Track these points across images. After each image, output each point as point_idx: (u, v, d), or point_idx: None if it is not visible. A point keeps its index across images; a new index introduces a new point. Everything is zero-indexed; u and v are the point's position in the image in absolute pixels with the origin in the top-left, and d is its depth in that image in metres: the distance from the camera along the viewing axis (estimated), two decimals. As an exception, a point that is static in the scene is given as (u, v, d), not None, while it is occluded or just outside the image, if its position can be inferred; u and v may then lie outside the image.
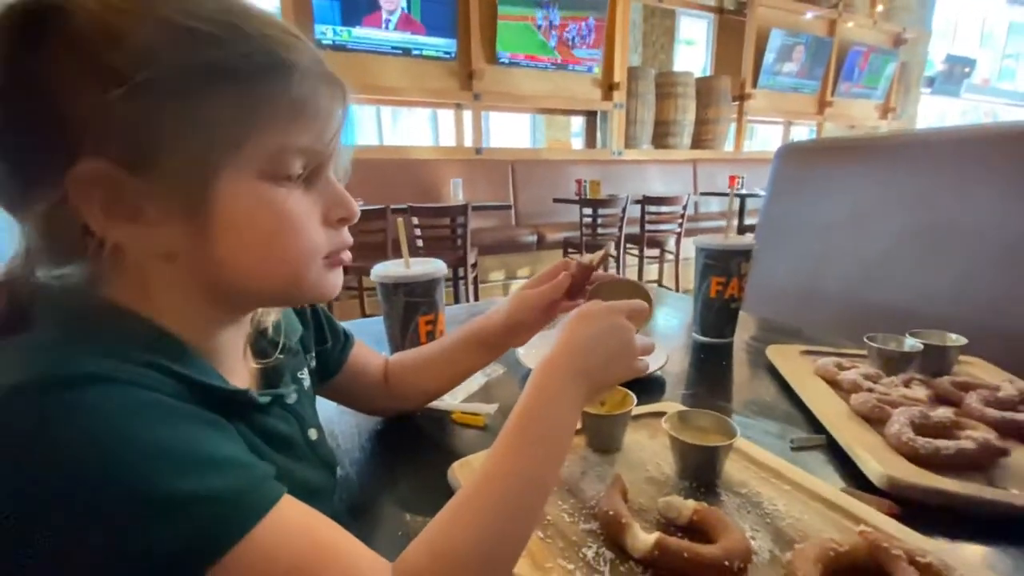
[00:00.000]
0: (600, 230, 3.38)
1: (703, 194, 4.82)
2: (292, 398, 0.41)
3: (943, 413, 0.53)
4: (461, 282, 2.99)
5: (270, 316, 0.44)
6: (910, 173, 1.11)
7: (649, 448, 0.52)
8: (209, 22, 0.29)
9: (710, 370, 0.80)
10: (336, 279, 0.38)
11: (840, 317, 1.13)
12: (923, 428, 0.51)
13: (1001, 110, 9.76)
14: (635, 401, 0.53)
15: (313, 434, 0.43)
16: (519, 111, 5.11)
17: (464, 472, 0.48)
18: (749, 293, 1.37)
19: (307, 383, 0.47)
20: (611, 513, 0.39)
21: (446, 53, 3.85)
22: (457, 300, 3.03)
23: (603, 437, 0.52)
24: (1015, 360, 0.73)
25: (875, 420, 0.55)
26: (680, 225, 3.51)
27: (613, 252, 3.46)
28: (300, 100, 0.32)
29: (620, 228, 3.39)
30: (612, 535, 0.39)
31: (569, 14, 4.15)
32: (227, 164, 0.30)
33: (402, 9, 3.60)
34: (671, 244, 3.61)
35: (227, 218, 0.31)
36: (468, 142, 4.18)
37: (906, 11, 6.22)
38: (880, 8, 6.06)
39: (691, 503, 0.40)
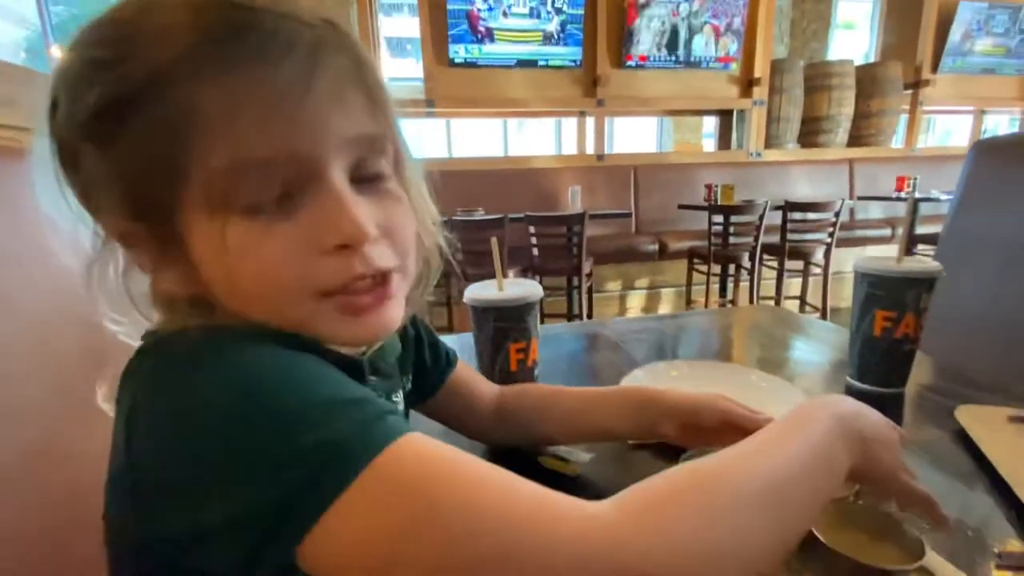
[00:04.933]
0: (732, 239, 3.07)
1: (861, 198, 4.17)
2: None
3: None
4: (575, 291, 2.91)
5: None
6: None
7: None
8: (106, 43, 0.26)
9: (870, 429, 0.63)
10: (364, 323, 0.31)
11: (1066, 365, 0.85)
12: None
13: None
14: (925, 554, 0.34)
15: None
16: (644, 115, 4.91)
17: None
18: (927, 325, 1.12)
19: (400, 406, 0.44)
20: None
21: (572, 61, 3.82)
22: (570, 310, 2.96)
23: None
24: None
25: None
26: (831, 235, 3.06)
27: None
28: (234, 97, 0.26)
29: (756, 237, 3.05)
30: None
31: (706, 7, 3.88)
32: (180, 198, 0.27)
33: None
34: (819, 256, 3.16)
35: (196, 258, 0.29)
36: (590, 149, 4.10)
37: None
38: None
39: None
